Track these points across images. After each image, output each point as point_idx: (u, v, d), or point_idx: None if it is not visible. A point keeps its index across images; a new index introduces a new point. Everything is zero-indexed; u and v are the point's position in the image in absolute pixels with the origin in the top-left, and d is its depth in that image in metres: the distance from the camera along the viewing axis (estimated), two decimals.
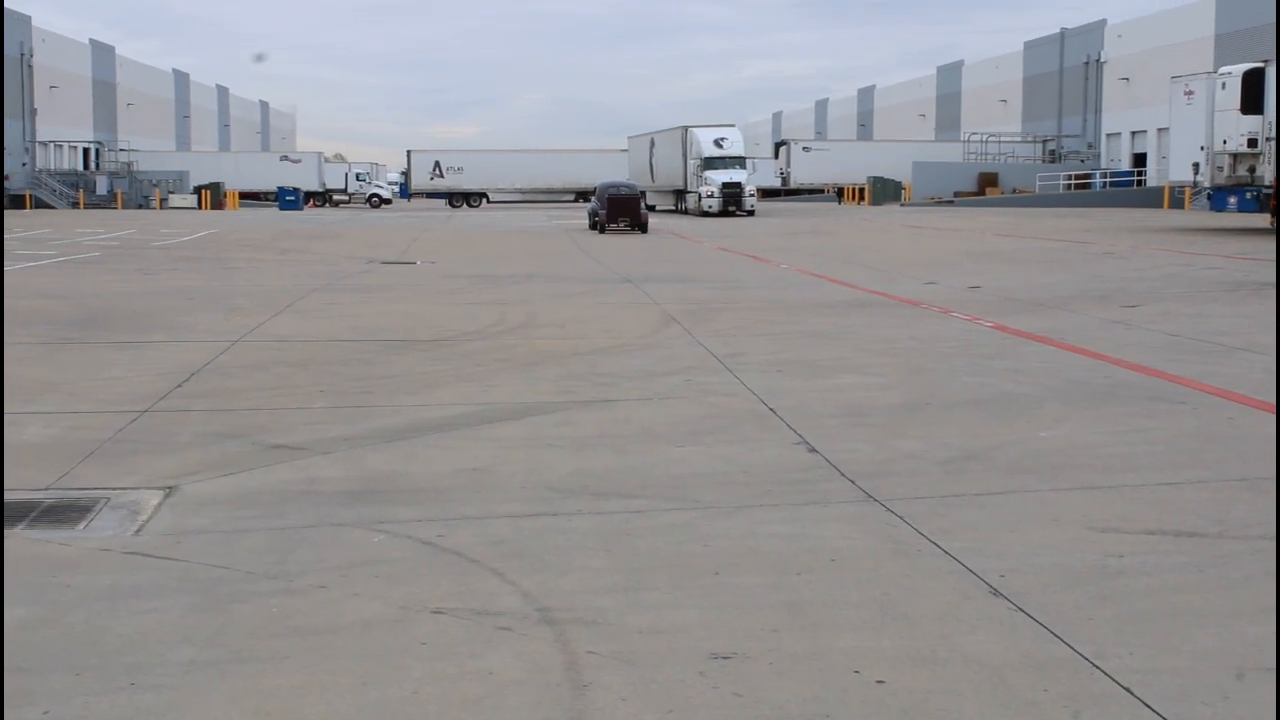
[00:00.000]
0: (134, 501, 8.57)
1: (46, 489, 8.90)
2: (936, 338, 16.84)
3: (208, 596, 6.60)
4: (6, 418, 11.33)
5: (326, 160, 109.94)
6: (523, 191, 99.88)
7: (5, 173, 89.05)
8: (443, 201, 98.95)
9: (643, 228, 51.08)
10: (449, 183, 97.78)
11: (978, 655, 5.75)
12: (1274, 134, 42.95)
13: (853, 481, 9.01)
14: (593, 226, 52.55)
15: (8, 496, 8.66)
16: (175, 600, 6.54)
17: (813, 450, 10.01)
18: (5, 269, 29.61)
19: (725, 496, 8.64)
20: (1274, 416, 11.09)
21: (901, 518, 8.04)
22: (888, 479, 9.08)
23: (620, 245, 41.19)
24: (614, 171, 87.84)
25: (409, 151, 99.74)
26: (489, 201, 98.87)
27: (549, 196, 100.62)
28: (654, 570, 7.01)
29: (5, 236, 45.80)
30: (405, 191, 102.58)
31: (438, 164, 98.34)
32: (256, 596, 6.60)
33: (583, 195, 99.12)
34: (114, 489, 8.89)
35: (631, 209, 51.32)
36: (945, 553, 7.29)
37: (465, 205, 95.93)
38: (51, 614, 6.33)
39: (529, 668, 5.63)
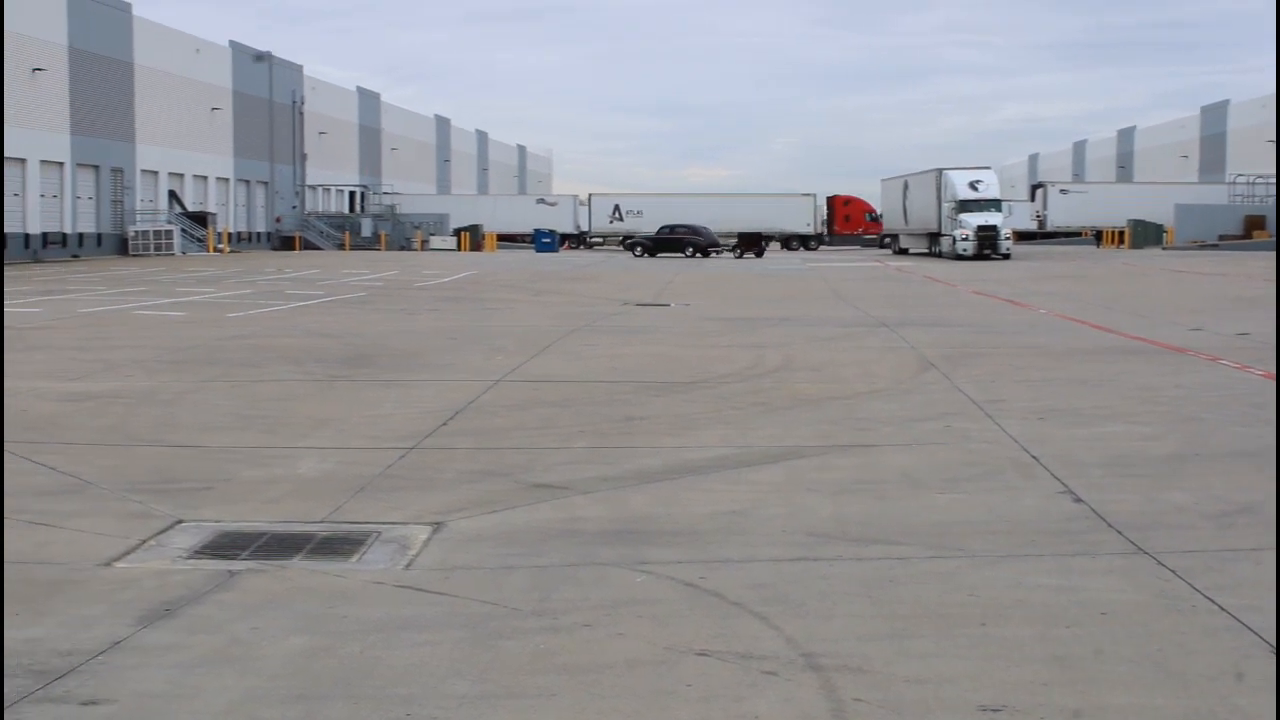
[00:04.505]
0: (403, 536, 8.83)
1: (321, 522, 9.23)
2: (1204, 386, 16.33)
3: (477, 632, 6.75)
4: (284, 451, 11.82)
5: (581, 203, 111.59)
6: None
7: (277, 215, 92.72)
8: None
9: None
10: (628, 226, 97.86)
11: (1261, 718, 5.54)
12: None
13: (1121, 533, 8.79)
14: (641, 251, 77.32)
15: (287, 528, 9.03)
16: (446, 634, 6.71)
17: (1078, 500, 9.79)
18: (280, 308, 30.81)
19: (989, 545, 8.51)
20: None
21: (1174, 571, 7.80)
22: (1157, 531, 8.83)
23: (874, 289, 40.93)
24: (787, 217, 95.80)
25: (590, 195, 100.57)
26: None
27: (725, 240, 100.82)
28: (919, 619, 6.93)
29: (276, 276, 47.64)
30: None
31: (617, 207, 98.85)
32: (523, 633, 6.73)
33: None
34: (384, 523, 9.17)
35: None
36: (1221, 609, 7.05)
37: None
38: (330, 643, 6.55)
39: (795, 714, 5.62)
